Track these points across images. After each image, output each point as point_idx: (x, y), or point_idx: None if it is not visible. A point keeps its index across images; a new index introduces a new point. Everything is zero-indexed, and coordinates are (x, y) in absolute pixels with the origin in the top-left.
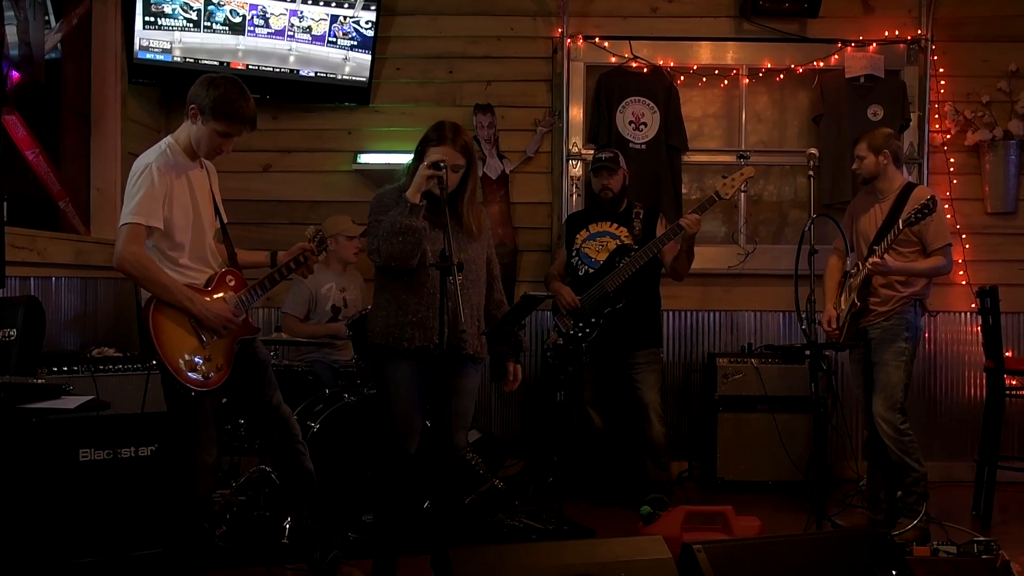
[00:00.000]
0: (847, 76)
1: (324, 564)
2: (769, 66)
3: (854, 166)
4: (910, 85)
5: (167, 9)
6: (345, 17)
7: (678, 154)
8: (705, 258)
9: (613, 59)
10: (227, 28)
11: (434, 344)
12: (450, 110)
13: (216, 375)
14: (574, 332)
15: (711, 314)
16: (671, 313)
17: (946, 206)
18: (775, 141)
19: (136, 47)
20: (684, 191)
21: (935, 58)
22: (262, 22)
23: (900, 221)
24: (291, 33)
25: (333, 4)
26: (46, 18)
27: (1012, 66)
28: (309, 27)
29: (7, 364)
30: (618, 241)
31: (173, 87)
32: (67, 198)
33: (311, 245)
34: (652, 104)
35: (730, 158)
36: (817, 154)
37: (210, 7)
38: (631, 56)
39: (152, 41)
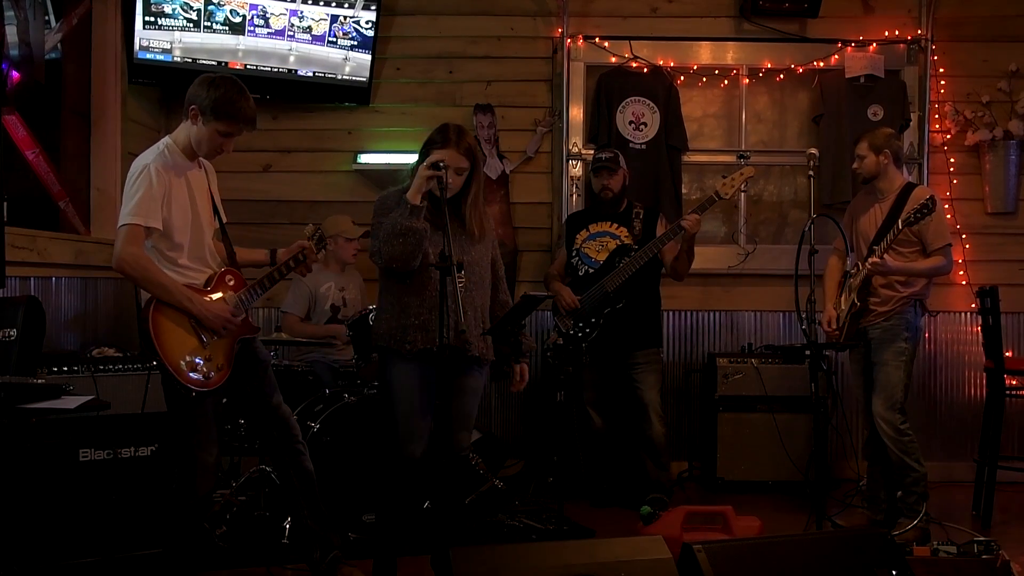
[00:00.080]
0: (847, 76)
1: (324, 564)
2: (769, 66)
3: (854, 166)
4: (910, 85)
5: (167, 9)
6: (345, 17)
7: (678, 154)
8: (705, 258)
9: (613, 59)
10: (227, 28)
11: (436, 346)
12: (450, 110)
13: (216, 375)
14: (574, 332)
15: (711, 314)
16: (671, 313)
17: (946, 206)
18: (775, 141)
19: (136, 47)
20: (684, 191)
21: (935, 58)
22: (262, 22)
23: (900, 221)
24: (291, 33)
25: (333, 4)
26: (46, 18)
27: (1012, 66)
28: (309, 27)
29: (7, 364)
30: (618, 241)
31: (173, 87)
32: (67, 198)
33: (310, 243)
34: (652, 104)
35: (730, 158)
36: (817, 154)
37: (210, 7)
38: (631, 56)
39: (152, 41)
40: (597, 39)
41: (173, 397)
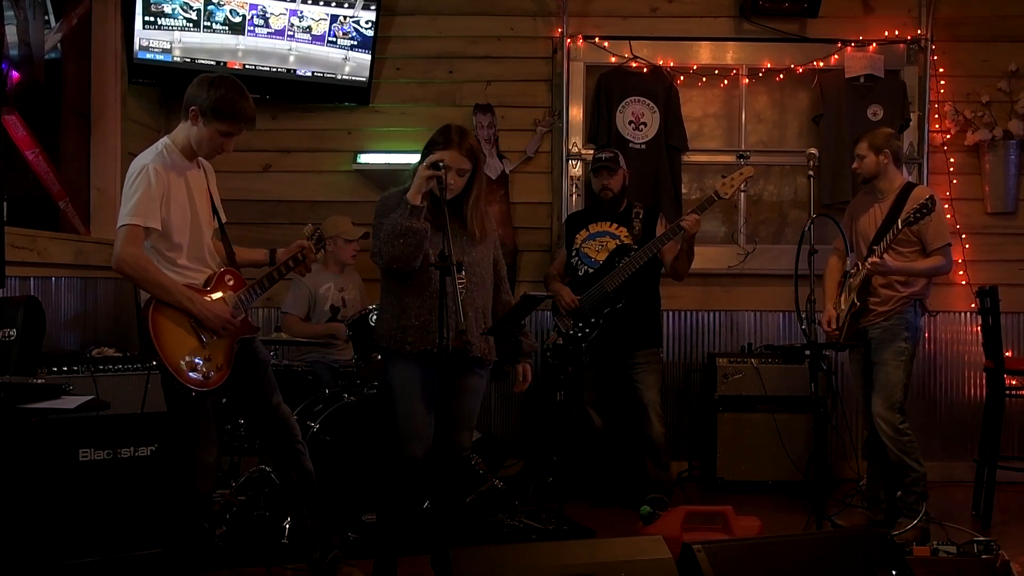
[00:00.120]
0: (847, 76)
1: (324, 564)
2: (769, 66)
3: (854, 165)
4: (910, 85)
5: (167, 9)
6: (345, 17)
7: (678, 154)
8: (705, 258)
9: (613, 59)
10: (227, 28)
11: (436, 347)
12: (450, 110)
13: (216, 375)
14: (574, 332)
15: (711, 314)
16: (671, 313)
17: (946, 206)
18: (775, 141)
19: (136, 47)
20: (684, 191)
21: (935, 58)
22: (262, 22)
23: (899, 221)
24: (291, 33)
25: (333, 4)
26: (46, 18)
27: (1012, 66)
28: (309, 27)
29: (7, 364)
30: (618, 241)
31: (173, 87)
32: (67, 198)
33: (309, 243)
34: (652, 104)
35: (730, 158)
36: (817, 154)
37: (210, 7)
38: (631, 56)
39: (152, 41)
40: (597, 39)
41: (173, 397)
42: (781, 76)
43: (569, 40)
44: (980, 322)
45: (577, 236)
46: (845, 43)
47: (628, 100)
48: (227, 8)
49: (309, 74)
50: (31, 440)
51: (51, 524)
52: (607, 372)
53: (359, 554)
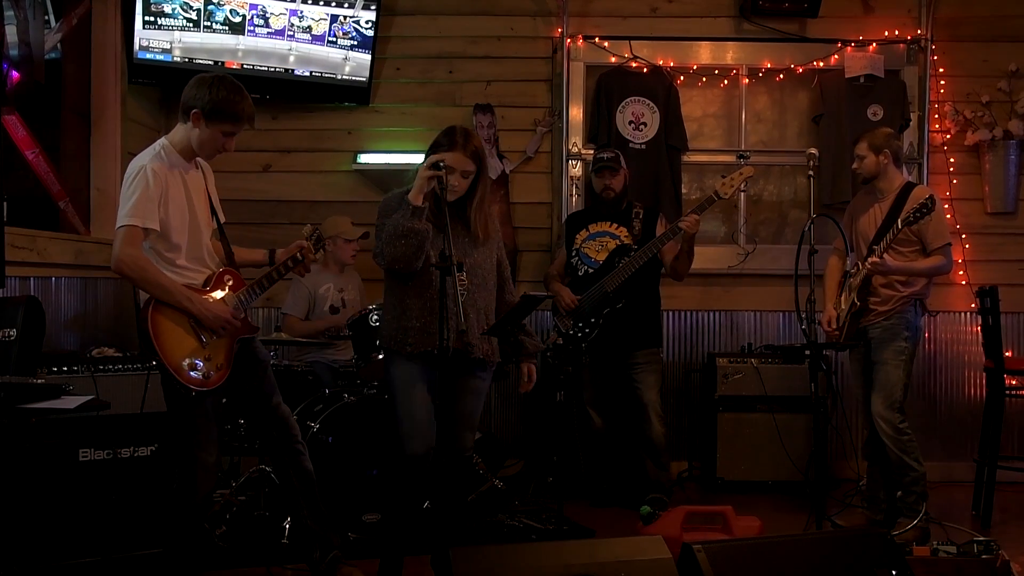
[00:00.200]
0: (847, 76)
1: (324, 564)
2: (769, 66)
3: (854, 165)
4: (910, 85)
5: (167, 9)
6: (345, 17)
7: (678, 154)
8: (705, 258)
9: (613, 59)
10: (227, 28)
11: (437, 348)
12: (450, 110)
13: (216, 375)
14: (574, 332)
15: (711, 314)
16: (671, 313)
17: (946, 206)
18: (775, 141)
19: (136, 47)
20: (684, 191)
21: (935, 58)
22: (262, 22)
23: (899, 220)
24: (291, 33)
25: (333, 4)
26: (46, 18)
27: (1012, 66)
28: (309, 27)
29: (7, 364)
30: (618, 241)
31: (173, 87)
32: (67, 198)
33: (308, 243)
34: (652, 104)
35: (730, 158)
36: (817, 154)
37: (210, 7)
38: (631, 56)
39: (152, 41)
40: (597, 39)
41: (173, 397)
42: (781, 76)
43: (569, 40)
44: (980, 322)
45: (577, 236)
46: (845, 43)
47: (628, 100)
48: (227, 8)
49: (309, 74)
50: (31, 440)
51: (51, 524)
52: (607, 372)
53: (359, 554)
